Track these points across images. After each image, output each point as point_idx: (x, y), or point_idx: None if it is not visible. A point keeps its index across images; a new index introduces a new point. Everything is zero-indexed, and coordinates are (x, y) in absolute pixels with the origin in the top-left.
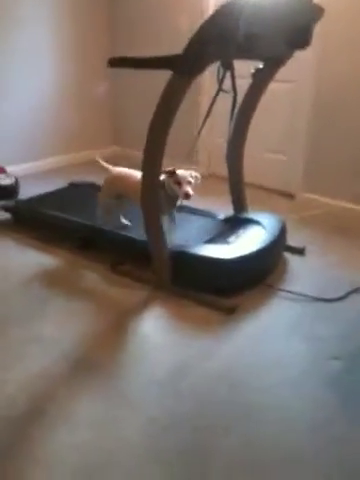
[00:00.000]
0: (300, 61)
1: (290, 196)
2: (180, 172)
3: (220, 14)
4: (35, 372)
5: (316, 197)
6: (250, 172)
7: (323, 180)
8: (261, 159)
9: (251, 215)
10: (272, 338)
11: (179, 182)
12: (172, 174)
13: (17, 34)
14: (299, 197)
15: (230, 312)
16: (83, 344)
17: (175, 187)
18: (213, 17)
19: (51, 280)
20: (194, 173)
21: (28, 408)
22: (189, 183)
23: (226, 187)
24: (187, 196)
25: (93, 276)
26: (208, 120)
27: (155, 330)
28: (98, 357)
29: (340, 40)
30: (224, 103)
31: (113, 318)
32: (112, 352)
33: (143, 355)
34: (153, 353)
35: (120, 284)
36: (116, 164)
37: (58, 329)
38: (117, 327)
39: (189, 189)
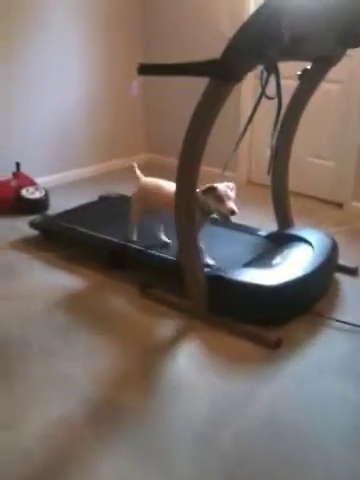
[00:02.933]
0: (349, 59)
1: (338, 205)
2: (220, 187)
3: (260, 14)
4: (55, 420)
5: None
6: (294, 179)
7: None
8: (307, 165)
9: (297, 231)
10: (321, 379)
11: (221, 199)
12: (211, 190)
13: (46, 40)
14: (348, 207)
15: (274, 347)
16: (108, 385)
17: (216, 204)
18: (253, 18)
19: (76, 306)
20: (231, 184)
21: (46, 464)
22: (231, 198)
23: (266, 195)
24: (233, 213)
25: (121, 301)
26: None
27: (189, 368)
28: (124, 402)
29: None
30: (266, 106)
31: (141, 353)
32: (140, 396)
33: (176, 399)
34: (187, 397)
35: (150, 310)
36: (148, 172)
37: (81, 367)
38: (146, 364)
39: (233, 205)
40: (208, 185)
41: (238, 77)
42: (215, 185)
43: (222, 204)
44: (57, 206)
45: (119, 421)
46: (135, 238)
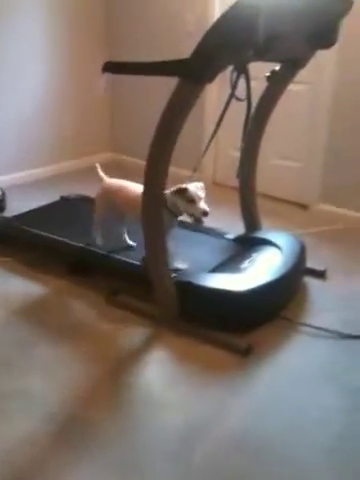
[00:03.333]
0: (316, 61)
1: (304, 207)
2: (191, 188)
3: (234, 13)
4: (19, 438)
5: (333, 208)
6: (260, 180)
7: (342, 190)
8: (273, 166)
9: (265, 234)
10: (297, 388)
11: (192, 200)
12: (181, 192)
13: (7, 34)
14: (314, 208)
15: (245, 353)
16: (75, 401)
17: (187, 206)
18: (226, 16)
19: (38, 315)
20: (199, 184)
21: None
22: (202, 199)
23: (232, 197)
24: (205, 214)
25: (86, 309)
26: (211, 126)
27: (159, 379)
28: (93, 418)
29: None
30: (231, 107)
31: (109, 365)
32: (109, 411)
33: (147, 414)
34: (159, 412)
35: (117, 318)
36: (112, 172)
37: (45, 381)
38: (114, 377)
39: (205, 206)
40: (178, 186)
41: (209, 78)
42: (185, 186)
43: (194, 205)
44: (15, 207)
45: (88, 439)
46: (100, 242)
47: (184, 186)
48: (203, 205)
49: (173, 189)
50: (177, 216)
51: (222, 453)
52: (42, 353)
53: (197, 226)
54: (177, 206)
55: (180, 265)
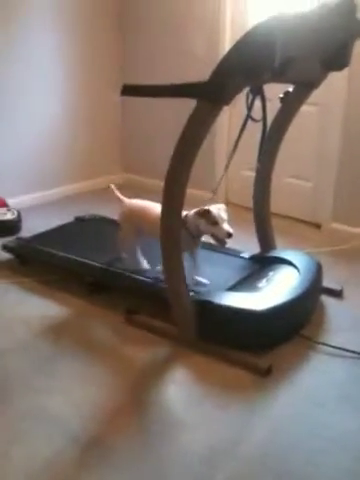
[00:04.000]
0: (327, 81)
1: (317, 226)
2: (214, 210)
3: (253, 37)
4: (39, 463)
5: (346, 228)
6: (272, 199)
7: (354, 209)
8: (285, 186)
9: (281, 253)
10: (317, 409)
11: (216, 222)
12: (205, 213)
13: (22, 58)
14: (326, 227)
15: (265, 373)
16: (95, 422)
17: (211, 228)
18: (246, 38)
19: (57, 335)
20: (222, 206)
21: None
22: (225, 220)
23: (245, 217)
24: (230, 236)
25: (105, 329)
26: (224, 145)
27: (180, 400)
28: (114, 440)
29: None
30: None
31: (129, 385)
32: (130, 432)
33: (167, 436)
34: (180, 433)
35: (136, 338)
36: (125, 193)
37: (65, 402)
38: (134, 397)
39: (229, 228)
40: (201, 208)
41: (227, 99)
42: (208, 208)
43: (217, 227)
44: (30, 228)
45: (110, 461)
46: (145, 265)
47: (207, 208)
48: (227, 227)
49: (195, 211)
50: (199, 237)
51: (244, 475)
52: (62, 373)
53: (220, 247)
54: (198, 227)
55: (202, 279)
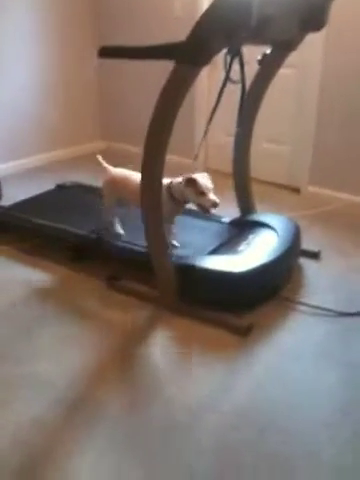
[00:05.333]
0: (303, 44)
1: (295, 190)
2: (200, 179)
3: None
4: (27, 421)
5: (324, 191)
6: (251, 165)
7: (331, 173)
8: (263, 151)
9: (261, 217)
10: (297, 366)
11: (202, 191)
12: (191, 182)
13: None
14: (305, 191)
15: (245, 333)
16: (81, 382)
17: (197, 197)
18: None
19: (41, 301)
20: (205, 174)
21: (21, 471)
22: (211, 190)
23: (225, 182)
24: (215, 205)
25: (88, 295)
26: (203, 111)
27: (163, 360)
28: (100, 398)
29: (346, 22)
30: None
31: (113, 346)
32: (116, 391)
33: (153, 393)
34: (164, 390)
35: (119, 303)
36: (105, 160)
37: (51, 364)
38: (119, 358)
39: (215, 197)
40: (187, 177)
41: (205, 60)
42: (194, 177)
43: (204, 197)
44: (10, 196)
45: (97, 418)
46: (118, 230)
47: (193, 177)
48: (213, 196)
49: (181, 179)
50: (183, 204)
51: (228, 426)
52: (47, 338)
53: (205, 214)
54: (184, 195)
55: (175, 242)
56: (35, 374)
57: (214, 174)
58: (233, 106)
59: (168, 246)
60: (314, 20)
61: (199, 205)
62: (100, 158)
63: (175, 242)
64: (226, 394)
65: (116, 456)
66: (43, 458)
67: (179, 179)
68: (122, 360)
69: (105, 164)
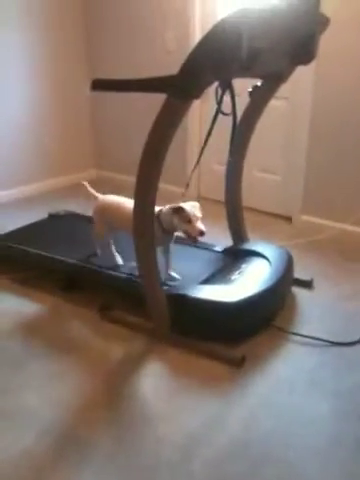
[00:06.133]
0: (294, 76)
1: (287, 219)
2: (188, 207)
3: (219, 31)
4: (14, 456)
5: (316, 220)
6: (243, 194)
7: (323, 201)
8: (255, 180)
9: (253, 246)
10: (289, 396)
11: (189, 219)
12: (179, 211)
13: None
14: (297, 220)
15: (239, 364)
16: (71, 416)
17: (184, 225)
18: (212, 33)
19: (31, 333)
20: (196, 204)
21: None
22: (198, 218)
23: (217, 211)
24: (202, 234)
25: (79, 325)
26: (196, 140)
27: (154, 393)
28: (89, 434)
29: (335, 55)
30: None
31: (104, 380)
32: (105, 426)
33: (144, 428)
34: (155, 425)
35: (110, 334)
36: (97, 189)
37: (40, 398)
38: (110, 392)
39: (202, 226)
40: (175, 205)
41: (196, 94)
42: (182, 205)
43: (190, 225)
44: (3, 225)
45: (86, 454)
46: (119, 260)
47: (181, 205)
48: (200, 225)
49: (169, 207)
50: (172, 233)
51: (221, 460)
52: (36, 370)
53: (192, 243)
54: (172, 224)
55: (176, 275)
56: (23, 407)
57: (207, 202)
58: (225, 135)
59: (159, 276)
60: (303, 53)
61: (186, 233)
62: (87, 185)
63: (175, 274)
64: (219, 428)
65: None
66: None
67: (167, 207)
68: (112, 394)
69: (92, 191)
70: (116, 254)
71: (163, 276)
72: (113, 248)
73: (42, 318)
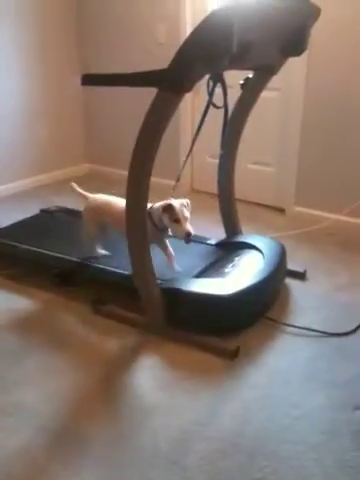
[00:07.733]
0: (286, 67)
1: (280, 211)
2: (177, 206)
3: (210, 24)
4: (12, 451)
5: (309, 211)
6: (236, 186)
7: (316, 192)
8: (248, 172)
9: (246, 239)
10: (284, 388)
11: (177, 219)
12: (168, 209)
13: None
14: (290, 212)
15: (233, 356)
16: (67, 411)
17: (172, 224)
18: (203, 25)
19: (26, 328)
20: (185, 201)
21: None
22: (187, 218)
23: (210, 203)
24: (188, 235)
25: (73, 320)
26: (188, 133)
27: (150, 386)
28: (86, 428)
29: (327, 46)
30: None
31: (99, 374)
32: (102, 420)
33: (139, 422)
34: (151, 418)
35: (105, 328)
36: (90, 183)
37: (36, 393)
38: (105, 386)
39: (190, 227)
40: (165, 203)
41: (188, 87)
42: (172, 203)
43: (178, 225)
44: None
45: (83, 448)
46: (103, 251)
47: (171, 203)
48: (187, 226)
49: (160, 204)
50: (163, 229)
51: (216, 454)
52: (32, 366)
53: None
54: (162, 221)
55: (178, 268)
56: (20, 403)
57: (200, 195)
58: (219, 128)
59: (153, 270)
60: (294, 45)
61: (173, 233)
62: (75, 186)
63: (177, 266)
64: (214, 421)
65: None
66: None
67: (159, 204)
68: (107, 387)
69: (81, 191)
70: (99, 249)
71: (171, 271)
72: (96, 244)
73: (36, 314)
